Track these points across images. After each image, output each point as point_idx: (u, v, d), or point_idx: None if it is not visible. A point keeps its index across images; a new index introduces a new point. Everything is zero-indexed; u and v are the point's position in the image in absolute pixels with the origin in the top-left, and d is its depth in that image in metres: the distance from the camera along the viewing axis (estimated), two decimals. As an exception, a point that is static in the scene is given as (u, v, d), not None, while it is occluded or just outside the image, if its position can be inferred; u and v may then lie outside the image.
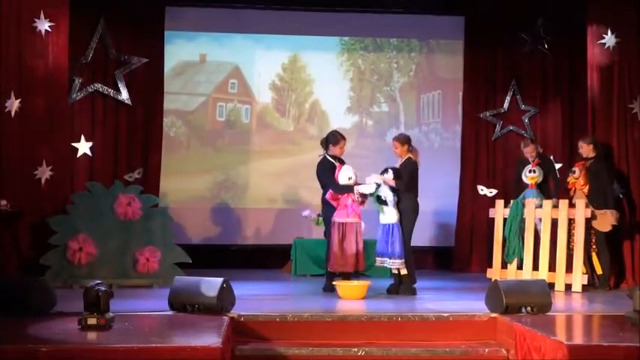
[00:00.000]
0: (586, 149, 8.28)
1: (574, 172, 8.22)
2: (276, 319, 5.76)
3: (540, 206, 8.12)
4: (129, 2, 9.49)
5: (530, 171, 8.40)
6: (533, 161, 8.46)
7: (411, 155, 7.51)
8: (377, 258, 7.38)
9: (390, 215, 7.28)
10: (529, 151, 8.53)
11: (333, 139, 7.77)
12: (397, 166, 7.51)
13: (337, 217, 7.40)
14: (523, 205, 8.22)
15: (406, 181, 7.33)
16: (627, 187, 8.40)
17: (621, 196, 8.35)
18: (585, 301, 7.17)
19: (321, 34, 10.40)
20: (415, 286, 7.34)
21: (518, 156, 9.95)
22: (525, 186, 8.44)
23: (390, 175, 7.34)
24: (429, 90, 10.58)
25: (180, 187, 10.08)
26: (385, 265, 7.32)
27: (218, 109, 10.30)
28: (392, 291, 7.34)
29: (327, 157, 7.73)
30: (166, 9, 9.82)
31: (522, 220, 8.22)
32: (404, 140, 7.57)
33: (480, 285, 7.72)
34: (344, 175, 7.47)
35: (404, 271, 7.26)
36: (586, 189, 8.15)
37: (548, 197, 8.24)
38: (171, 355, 4.35)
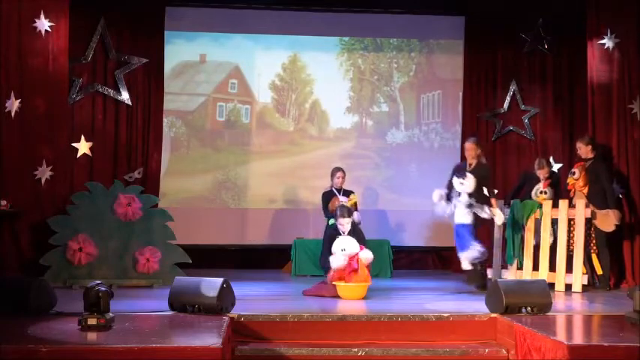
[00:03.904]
0: (584, 150, 8.27)
1: (573, 174, 8.21)
2: (276, 319, 5.76)
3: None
4: (129, 2, 9.49)
5: (541, 192, 8.35)
6: (544, 181, 8.41)
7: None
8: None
9: None
10: (543, 173, 8.45)
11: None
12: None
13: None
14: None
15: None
16: (627, 187, 8.39)
17: (620, 196, 8.34)
18: (585, 301, 7.16)
19: (321, 34, 10.40)
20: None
21: (518, 157, 9.97)
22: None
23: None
24: (429, 90, 10.58)
25: (180, 187, 10.08)
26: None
27: (218, 109, 10.30)
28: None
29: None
30: (166, 9, 9.81)
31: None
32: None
33: (480, 285, 7.72)
34: (337, 247, 7.19)
35: None
36: (586, 190, 8.14)
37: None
38: (171, 355, 4.34)
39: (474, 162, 7.83)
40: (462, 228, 7.67)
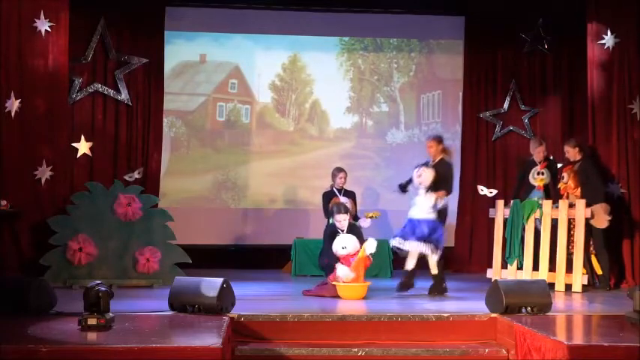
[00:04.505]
0: (572, 153, 8.30)
1: (563, 178, 8.23)
2: (276, 319, 5.76)
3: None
4: (129, 2, 9.49)
5: (538, 173, 8.37)
6: (540, 163, 8.43)
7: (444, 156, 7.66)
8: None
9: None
10: (539, 152, 8.48)
11: None
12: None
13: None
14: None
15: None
16: (627, 186, 8.38)
17: (623, 191, 8.32)
18: (585, 301, 7.17)
19: (321, 34, 10.40)
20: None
21: (518, 156, 9.93)
22: (531, 187, 8.41)
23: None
24: (429, 90, 10.58)
25: (180, 187, 10.08)
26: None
27: (218, 109, 10.30)
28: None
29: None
30: (166, 9, 9.81)
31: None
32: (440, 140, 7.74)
33: (480, 285, 7.72)
34: (338, 245, 7.19)
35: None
36: (578, 191, 8.13)
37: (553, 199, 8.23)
38: (171, 355, 4.35)
39: (436, 159, 7.75)
40: (426, 223, 7.39)
